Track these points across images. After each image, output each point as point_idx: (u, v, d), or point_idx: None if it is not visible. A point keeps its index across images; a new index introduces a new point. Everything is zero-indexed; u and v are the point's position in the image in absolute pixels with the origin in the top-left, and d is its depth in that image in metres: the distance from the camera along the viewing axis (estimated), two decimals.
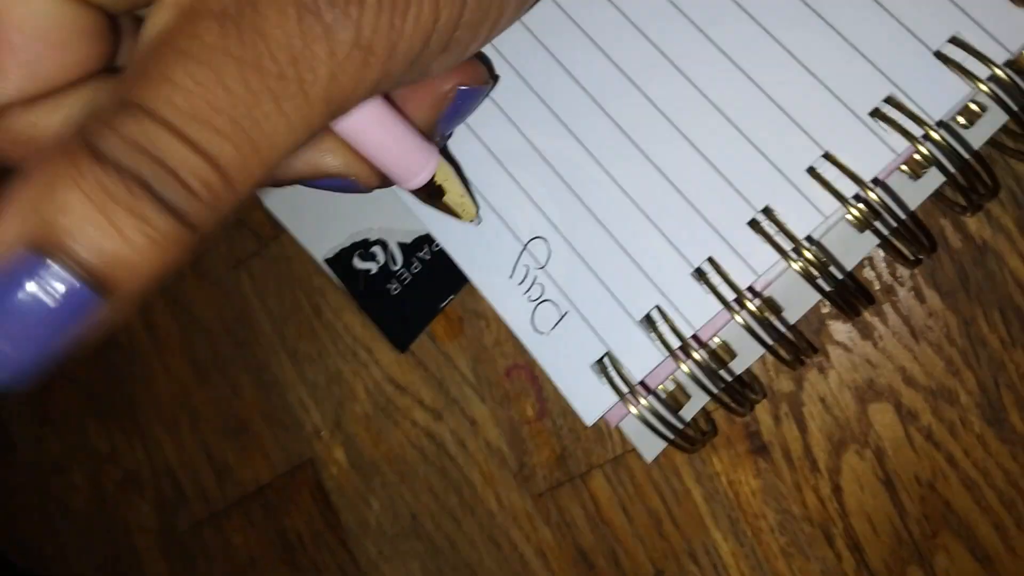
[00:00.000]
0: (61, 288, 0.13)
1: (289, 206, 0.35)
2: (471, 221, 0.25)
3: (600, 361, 0.25)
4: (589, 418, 0.25)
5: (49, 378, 0.44)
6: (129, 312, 0.15)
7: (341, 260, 0.34)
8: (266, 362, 0.37)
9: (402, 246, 0.33)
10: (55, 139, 0.14)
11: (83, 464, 0.44)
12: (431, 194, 0.23)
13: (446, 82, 0.22)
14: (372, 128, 0.21)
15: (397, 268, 0.33)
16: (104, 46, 0.17)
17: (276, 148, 0.16)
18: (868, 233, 0.23)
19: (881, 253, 0.26)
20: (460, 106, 0.23)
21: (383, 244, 0.33)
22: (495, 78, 0.25)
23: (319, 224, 0.34)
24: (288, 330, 0.37)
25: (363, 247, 0.33)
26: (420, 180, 0.22)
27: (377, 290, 0.33)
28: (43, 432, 0.45)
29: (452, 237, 0.28)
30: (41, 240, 0.13)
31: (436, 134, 0.23)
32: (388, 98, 0.21)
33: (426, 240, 0.32)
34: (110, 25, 0.17)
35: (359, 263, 0.34)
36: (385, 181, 0.22)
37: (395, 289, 0.33)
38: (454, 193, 0.24)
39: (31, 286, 0.13)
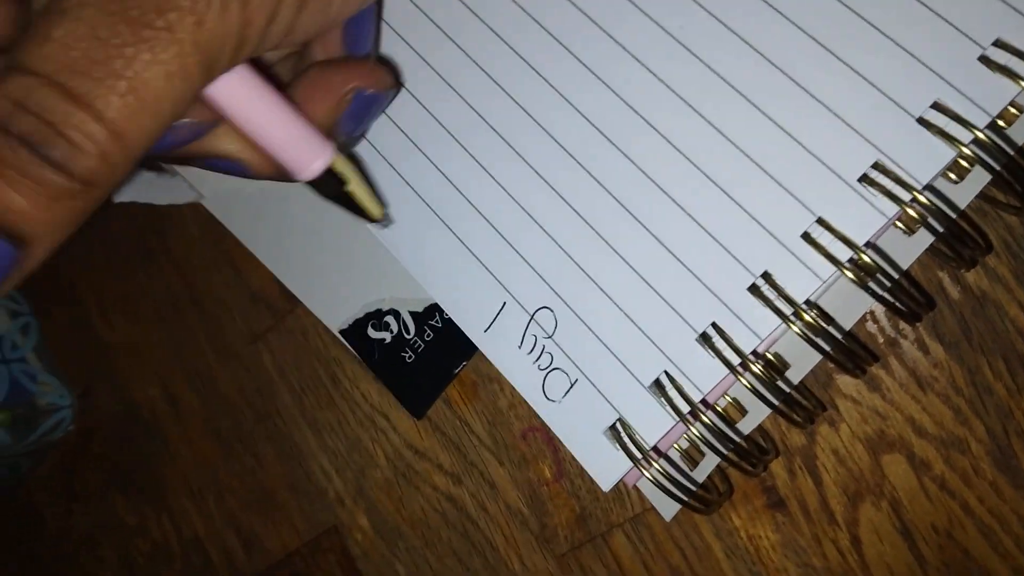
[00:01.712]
0: None
1: (302, 279, 0.36)
2: (380, 221, 0.25)
3: (613, 427, 0.26)
4: (606, 484, 0.26)
5: (76, 456, 0.45)
6: (41, 261, 0.17)
7: (356, 331, 0.35)
8: (287, 433, 0.38)
9: (414, 315, 0.34)
10: None
11: (112, 538, 0.45)
12: (333, 190, 0.23)
13: (345, 83, 0.23)
14: (260, 111, 0.21)
15: (410, 337, 0.34)
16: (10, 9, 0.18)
17: (160, 98, 0.17)
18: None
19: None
20: (361, 109, 0.23)
21: (395, 314, 0.34)
22: (399, 85, 0.25)
23: (332, 296, 0.35)
24: (307, 401, 0.37)
25: (376, 317, 0.34)
26: (314, 170, 0.22)
27: (392, 359, 0.34)
28: (72, 507, 0.46)
29: (462, 309, 0.28)
30: None
31: (337, 135, 0.23)
32: (285, 94, 0.22)
33: (436, 309, 0.33)
34: None
35: (373, 333, 0.34)
36: (280, 173, 0.23)
37: (409, 357, 0.34)
38: (357, 188, 0.24)
39: None
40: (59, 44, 0.16)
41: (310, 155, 0.22)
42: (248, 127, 0.21)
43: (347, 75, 0.23)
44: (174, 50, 0.17)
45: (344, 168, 0.23)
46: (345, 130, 0.24)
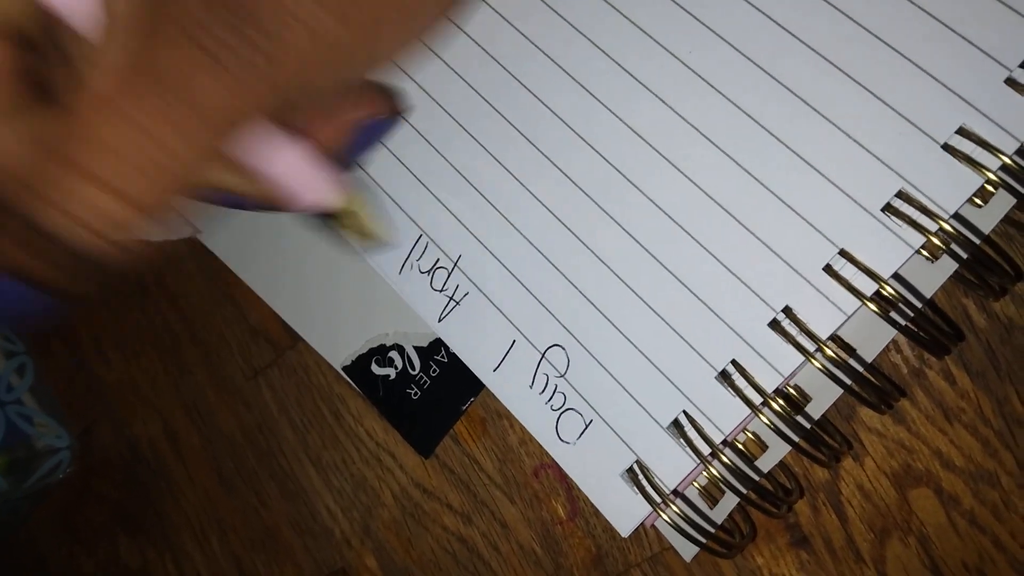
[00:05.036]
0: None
1: (303, 314, 0.35)
2: (386, 242, 0.24)
3: (630, 470, 0.25)
4: (625, 530, 0.25)
5: (77, 496, 0.44)
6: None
7: (359, 367, 0.34)
8: (291, 471, 0.37)
9: (419, 350, 0.33)
10: None
11: None
12: (338, 218, 0.22)
13: (351, 113, 0.22)
14: (269, 149, 0.20)
15: (415, 372, 0.33)
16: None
17: (187, 170, 0.17)
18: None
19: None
20: (367, 136, 0.23)
21: (400, 349, 0.33)
22: (402, 112, 0.25)
23: (334, 331, 0.34)
24: (311, 438, 0.36)
25: (380, 352, 0.33)
26: (317, 202, 0.21)
27: (397, 396, 0.33)
28: (74, 549, 0.45)
29: (469, 346, 0.28)
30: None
31: (345, 161, 0.23)
32: (292, 125, 0.21)
33: (442, 343, 0.32)
34: None
35: (377, 369, 0.33)
36: (276, 204, 0.22)
37: (415, 394, 0.33)
38: (362, 215, 0.23)
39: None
40: (97, 139, 0.16)
41: (316, 188, 0.21)
42: (261, 167, 0.20)
43: (353, 102, 0.22)
44: (204, 128, 0.17)
45: (352, 198, 0.22)
46: (351, 157, 0.23)
